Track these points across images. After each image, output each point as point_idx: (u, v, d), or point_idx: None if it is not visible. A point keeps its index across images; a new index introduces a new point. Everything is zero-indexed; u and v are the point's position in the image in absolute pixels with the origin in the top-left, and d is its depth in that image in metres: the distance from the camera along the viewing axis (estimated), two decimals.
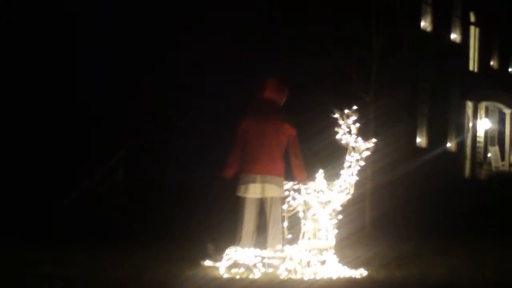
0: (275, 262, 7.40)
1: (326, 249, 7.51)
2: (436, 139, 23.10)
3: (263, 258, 7.40)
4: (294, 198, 7.74)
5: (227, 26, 18.69)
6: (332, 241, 7.58)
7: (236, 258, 7.40)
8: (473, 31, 26.32)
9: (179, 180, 16.30)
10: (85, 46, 18.34)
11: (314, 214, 7.58)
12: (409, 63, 15.84)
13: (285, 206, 7.76)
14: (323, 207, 7.60)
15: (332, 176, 7.71)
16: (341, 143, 7.64)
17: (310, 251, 7.46)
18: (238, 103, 8.31)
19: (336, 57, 14.02)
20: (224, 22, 18.72)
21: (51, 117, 17.94)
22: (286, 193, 7.83)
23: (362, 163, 7.65)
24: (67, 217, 13.04)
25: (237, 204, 7.98)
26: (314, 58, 16.07)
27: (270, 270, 7.35)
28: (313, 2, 16.56)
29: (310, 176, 7.74)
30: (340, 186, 7.63)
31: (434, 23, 22.72)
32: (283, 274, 7.30)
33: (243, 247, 7.60)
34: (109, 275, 7.00)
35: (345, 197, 7.66)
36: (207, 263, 7.82)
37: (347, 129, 7.61)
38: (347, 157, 7.65)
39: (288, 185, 7.86)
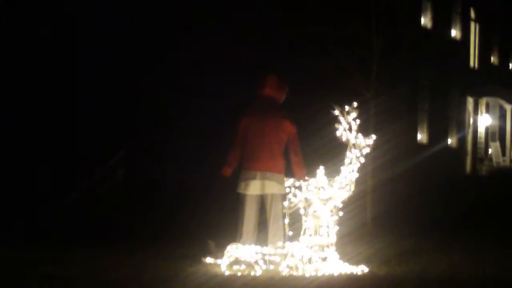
0: (276, 259, 7.41)
1: (327, 246, 7.52)
2: (437, 135, 23.10)
3: (264, 255, 7.41)
4: (295, 195, 7.75)
5: (227, 26, 18.68)
6: (333, 238, 7.58)
7: (237, 255, 7.41)
8: (473, 27, 26.31)
9: (179, 179, 16.32)
10: (85, 46, 18.34)
11: (315, 211, 7.59)
12: (409, 62, 15.84)
13: (286, 203, 7.77)
14: (324, 204, 7.61)
15: (332, 172, 7.72)
16: (342, 140, 7.64)
17: (311, 247, 7.47)
18: (238, 103, 8.32)
19: (336, 55, 14.03)
20: (224, 22, 18.71)
21: (51, 117, 17.94)
22: (287, 190, 7.84)
23: (362, 159, 7.65)
24: (67, 217, 13.05)
25: (238, 201, 7.99)
26: (314, 57, 16.08)
27: (272, 267, 7.37)
28: (313, 2, 16.56)
29: (311, 173, 7.75)
30: (341, 182, 7.64)
31: (434, 19, 22.72)
32: (284, 271, 7.31)
33: (244, 244, 7.61)
34: (109, 275, 7.00)
35: (346, 194, 7.66)
36: (208, 260, 7.84)
37: (347, 125, 7.61)
38: (348, 154, 7.65)
39: (289, 182, 7.87)
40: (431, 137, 22.91)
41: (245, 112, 8.07)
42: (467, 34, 25.79)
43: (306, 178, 7.75)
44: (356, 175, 7.66)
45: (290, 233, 7.72)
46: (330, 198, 7.62)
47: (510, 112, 27.56)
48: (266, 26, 18.81)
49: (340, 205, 7.67)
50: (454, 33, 24.95)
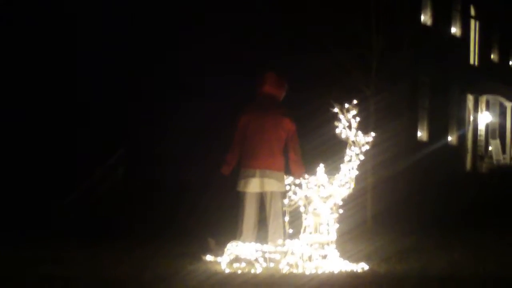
0: (277, 256, 7.40)
1: (328, 244, 7.51)
2: (437, 132, 23.10)
3: (264, 252, 7.41)
4: (295, 193, 7.75)
5: (227, 26, 18.67)
6: (333, 236, 7.58)
7: (237, 253, 7.41)
8: (473, 25, 26.30)
9: (179, 178, 16.32)
10: (85, 46, 18.34)
11: (315, 209, 7.59)
12: (409, 59, 15.85)
13: (286, 201, 7.77)
14: (324, 202, 7.60)
15: (332, 170, 7.71)
16: (341, 138, 7.63)
17: (311, 245, 7.46)
18: (237, 102, 8.31)
19: (336, 53, 14.04)
20: (224, 22, 18.70)
21: (51, 117, 17.95)
22: (287, 188, 7.84)
23: (362, 157, 7.65)
24: (67, 216, 13.05)
25: (238, 199, 7.99)
26: (313, 54, 16.08)
27: (272, 264, 7.37)
28: (313, 2, 16.55)
29: (311, 171, 7.75)
30: (341, 180, 7.63)
31: (434, 17, 22.71)
32: (284, 269, 7.30)
33: (244, 241, 7.61)
34: (109, 273, 7.00)
35: (346, 191, 7.66)
36: (208, 258, 7.84)
37: (347, 123, 7.60)
38: (347, 151, 7.65)
39: (289, 179, 7.86)
40: (431, 134, 22.92)
41: (245, 109, 8.06)
42: (467, 32, 25.79)
43: (305, 176, 7.74)
44: (356, 172, 7.65)
45: (290, 231, 7.71)
46: (330, 196, 7.62)
47: (510, 110, 27.57)
48: (266, 26, 18.80)
49: (340, 203, 7.67)
50: (454, 30, 24.95)
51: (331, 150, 8.84)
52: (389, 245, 9.85)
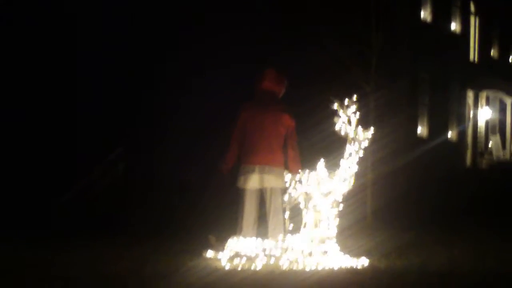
0: (277, 252, 7.42)
1: (328, 239, 7.53)
2: (437, 129, 23.11)
3: (264, 248, 7.42)
4: (295, 189, 7.76)
5: (227, 26, 18.66)
6: (333, 231, 7.60)
7: (238, 249, 7.43)
8: (473, 21, 26.28)
9: (178, 175, 16.33)
10: (85, 46, 18.33)
11: (315, 205, 7.60)
12: (409, 57, 15.87)
13: (286, 197, 7.78)
14: (325, 198, 7.62)
15: (332, 166, 7.72)
16: (341, 134, 7.64)
17: (311, 241, 7.48)
18: (237, 102, 8.31)
19: (335, 51, 14.05)
20: (224, 22, 18.69)
21: (51, 116, 17.94)
22: (287, 184, 7.85)
23: (361, 153, 7.66)
24: (67, 212, 13.07)
25: (238, 196, 8.00)
26: (313, 52, 16.08)
27: (272, 260, 7.38)
28: (313, 1, 16.55)
29: (310, 167, 7.76)
30: (341, 176, 7.64)
31: (434, 13, 22.70)
32: (285, 265, 7.32)
33: (244, 238, 7.62)
34: (110, 269, 7.01)
35: (346, 187, 7.67)
36: (209, 254, 7.85)
37: (346, 119, 7.61)
38: (347, 147, 7.66)
39: (289, 176, 7.87)
40: (431, 130, 22.92)
41: (244, 106, 8.07)
42: (467, 28, 25.77)
43: (301, 172, 7.74)
44: (356, 168, 7.66)
45: (291, 227, 7.73)
46: (330, 192, 7.63)
47: (510, 106, 27.57)
48: (266, 26, 18.79)
49: (340, 199, 7.68)
50: (454, 26, 24.93)
51: (331, 146, 8.85)
52: (389, 241, 9.88)
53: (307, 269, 7.21)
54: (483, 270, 7.38)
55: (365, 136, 7.61)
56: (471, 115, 25.93)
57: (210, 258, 7.73)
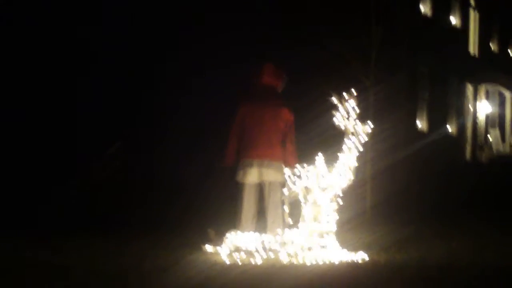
0: (276, 246, 7.43)
1: (327, 234, 7.54)
2: (437, 122, 23.10)
3: (264, 243, 7.43)
4: (294, 183, 7.76)
5: (227, 26, 18.62)
6: (333, 226, 7.60)
7: (237, 243, 7.44)
8: (473, 15, 26.25)
9: (177, 169, 16.33)
10: (85, 46, 18.30)
11: (314, 199, 7.61)
12: (408, 51, 15.86)
13: (285, 191, 7.79)
14: (324, 192, 7.62)
15: (331, 160, 7.73)
16: (340, 128, 7.64)
17: (311, 235, 7.49)
18: (237, 102, 8.31)
19: (335, 45, 14.04)
20: (224, 22, 18.65)
21: (51, 117, 17.92)
22: (286, 178, 7.85)
23: (360, 147, 7.66)
24: (67, 210, 13.07)
25: (237, 190, 8.01)
26: (313, 46, 16.06)
27: (272, 255, 7.39)
28: (313, 1, 16.53)
29: (310, 161, 7.76)
30: (340, 170, 7.64)
31: (434, 7, 22.68)
32: (284, 259, 7.33)
33: (243, 232, 7.63)
34: (109, 264, 7.01)
35: (345, 182, 7.67)
36: (208, 248, 7.86)
37: (345, 113, 7.61)
38: (346, 142, 7.66)
39: (288, 170, 7.87)
40: (430, 124, 22.91)
41: (243, 100, 8.07)
42: (467, 22, 25.74)
43: (297, 167, 7.74)
44: (355, 163, 7.66)
45: (290, 221, 7.73)
46: (329, 186, 7.63)
47: (509, 99, 27.57)
48: (266, 25, 18.75)
49: (340, 193, 7.68)
50: (454, 20, 24.90)
51: (330, 141, 8.85)
52: (388, 235, 9.89)
53: (307, 263, 7.22)
54: (482, 264, 7.39)
55: (364, 130, 7.61)
56: (471, 109, 25.93)
57: (209, 252, 7.75)
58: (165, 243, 8.83)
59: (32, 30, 18.11)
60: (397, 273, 6.64)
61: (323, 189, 7.61)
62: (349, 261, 7.33)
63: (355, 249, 7.83)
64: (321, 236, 7.49)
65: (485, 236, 10.09)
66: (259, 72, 8.10)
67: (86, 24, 18.26)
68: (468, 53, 26.10)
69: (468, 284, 6.20)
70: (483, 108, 26.68)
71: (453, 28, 24.76)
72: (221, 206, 10.43)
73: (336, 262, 7.25)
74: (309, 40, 16.18)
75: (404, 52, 15.47)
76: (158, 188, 15.12)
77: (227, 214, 8.54)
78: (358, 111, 7.61)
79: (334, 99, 7.57)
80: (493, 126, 27.02)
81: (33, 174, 15.69)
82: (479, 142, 26.11)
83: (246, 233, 7.59)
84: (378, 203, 13.57)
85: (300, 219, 7.62)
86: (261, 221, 8.01)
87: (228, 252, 7.41)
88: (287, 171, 7.86)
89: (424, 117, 22.85)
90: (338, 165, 7.64)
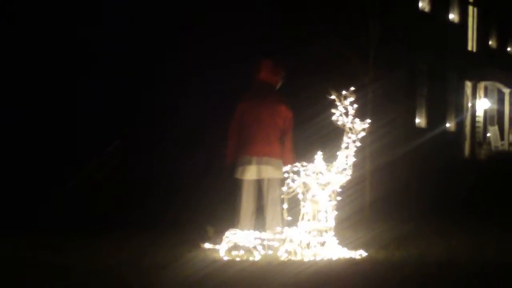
0: (275, 244, 7.41)
1: (326, 231, 7.52)
2: (435, 119, 23.11)
3: (262, 240, 7.42)
4: (293, 180, 7.75)
5: (227, 26, 18.59)
6: (331, 223, 7.59)
7: (236, 240, 7.42)
8: (472, 11, 26.24)
9: (176, 167, 16.32)
10: (85, 46, 18.27)
11: (313, 196, 7.59)
12: (407, 48, 15.83)
13: (284, 188, 7.77)
14: (323, 189, 7.61)
15: (330, 157, 7.71)
16: (338, 124, 7.62)
17: (309, 232, 7.47)
18: (235, 101, 8.30)
19: (334, 42, 14.02)
20: (224, 22, 18.62)
21: (50, 117, 17.90)
22: (285, 175, 7.83)
23: (358, 144, 7.64)
24: (66, 205, 13.06)
25: (235, 187, 8.00)
26: (312, 43, 16.05)
27: (270, 252, 7.38)
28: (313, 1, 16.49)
29: (308, 158, 7.74)
30: (338, 167, 7.63)
31: (432, 3, 22.66)
32: (283, 256, 7.32)
33: (242, 229, 7.62)
34: (108, 261, 7.01)
35: (344, 179, 7.66)
36: (207, 245, 7.85)
37: (344, 110, 7.59)
38: (344, 139, 7.64)
39: (287, 167, 7.86)
40: (429, 121, 22.92)
41: (242, 97, 8.07)
42: (465, 18, 25.73)
43: (295, 164, 7.73)
44: (353, 159, 7.65)
45: (289, 218, 7.72)
46: (328, 183, 7.62)
47: (508, 96, 27.58)
48: (266, 25, 18.72)
49: (339, 190, 7.67)
50: (452, 16, 24.89)
51: (328, 137, 8.84)
52: (387, 232, 9.87)
53: (305, 261, 7.21)
54: (481, 261, 7.38)
55: (362, 127, 7.59)
56: (469, 106, 25.93)
57: (208, 250, 7.74)
58: (164, 240, 8.82)
59: (32, 30, 18.08)
60: (396, 270, 6.64)
61: (322, 186, 7.59)
62: (348, 258, 7.32)
63: (354, 246, 7.83)
64: (320, 233, 7.48)
65: (484, 233, 10.08)
66: (258, 69, 8.08)
67: (86, 24, 18.23)
68: (467, 49, 26.09)
69: (467, 281, 6.20)
70: (482, 105, 26.68)
71: (451, 24, 24.76)
72: (219, 204, 10.41)
73: (335, 259, 7.24)
74: (309, 40, 16.17)
75: (403, 49, 15.44)
76: (158, 188, 15.11)
77: (225, 212, 8.53)
78: (356, 107, 7.59)
79: (333, 96, 7.56)
80: (491, 123, 27.03)
81: (33, 174, 15.67)
82: (478, 139, 26.12)
83: (245, 230, 7.58)
84: (377, 199, 13.55)
85: (299, 216, 7.60)
86: (260, 218, 8.00)
87: (227, 249, 7.39)
88: (286, 168, 7.84)
89: (423, 114, 22.86)
90: (337, 162, 7.62)
